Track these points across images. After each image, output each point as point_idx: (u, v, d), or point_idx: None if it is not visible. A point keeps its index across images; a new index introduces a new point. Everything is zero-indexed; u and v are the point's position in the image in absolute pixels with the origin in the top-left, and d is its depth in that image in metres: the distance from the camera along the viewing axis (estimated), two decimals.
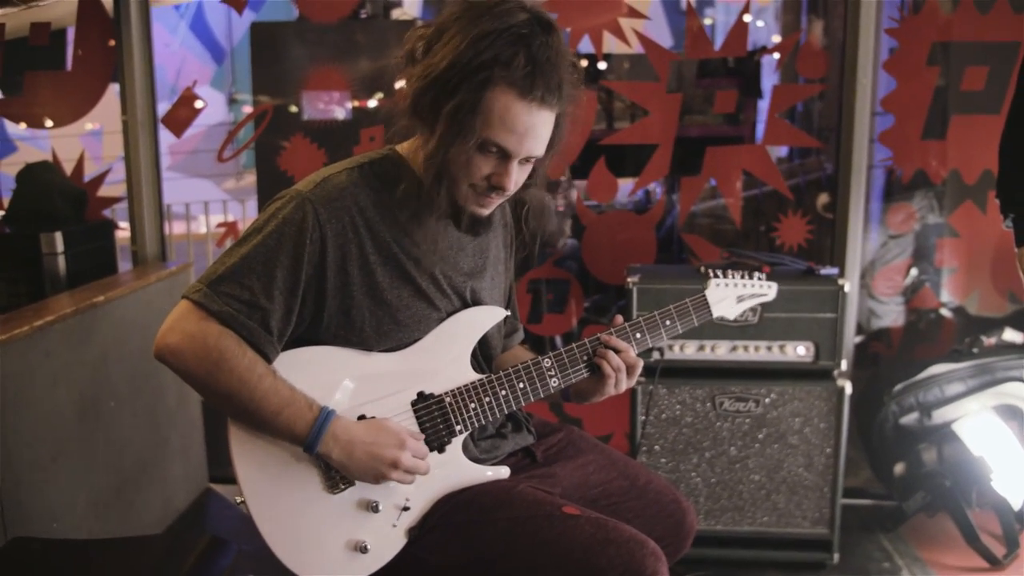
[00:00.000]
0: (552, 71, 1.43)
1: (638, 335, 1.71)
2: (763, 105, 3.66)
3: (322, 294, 1.52)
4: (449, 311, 1.63)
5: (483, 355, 1.70)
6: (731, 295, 1.83)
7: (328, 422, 1.48)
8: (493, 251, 1.74)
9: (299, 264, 1.48)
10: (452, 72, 1.41)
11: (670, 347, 2.66)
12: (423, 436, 1.57)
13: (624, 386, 1.67)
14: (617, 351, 1.66)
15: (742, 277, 1.85)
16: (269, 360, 1.50)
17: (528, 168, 1.55)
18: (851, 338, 3.14)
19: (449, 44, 1.43)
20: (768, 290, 1.88)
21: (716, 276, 1.83)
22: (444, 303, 1.62)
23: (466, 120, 1.43)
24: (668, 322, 1.74)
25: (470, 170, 1.49)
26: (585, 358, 1.66)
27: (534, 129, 1.46)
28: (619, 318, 1.72)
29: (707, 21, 6.48)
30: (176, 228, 6.04)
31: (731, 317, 1.85)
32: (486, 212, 1.59)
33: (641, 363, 1.69)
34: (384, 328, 1.56)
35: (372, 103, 3.47)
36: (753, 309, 2.60)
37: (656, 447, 2.70)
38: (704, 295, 1.80)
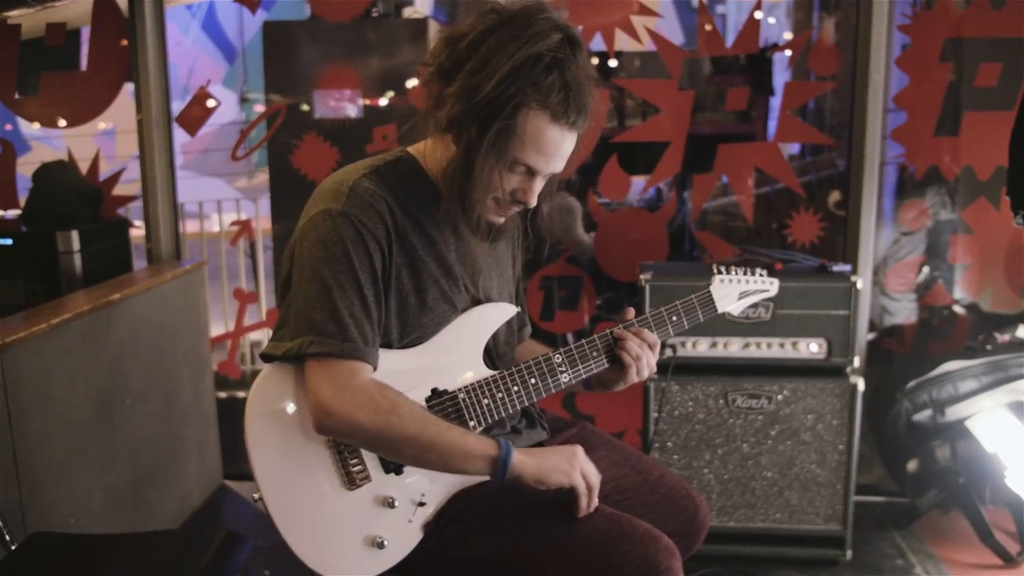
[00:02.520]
0: (582, 95, 1.47)
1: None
2: (775, 102, 3.65)
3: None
4: (463, 308, 1.65)
5: (496, 351, 1.71)
6: (734, 291, 1.85)
7: (510, 455, 1.50)
8: (502, 248, 1.76)
9: (369, 266, 1.49)
10: (491, 98, 1.43)
11: (682, 344, 2.67)
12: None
13: (647, 372, 1.68)
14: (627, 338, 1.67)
15: (745, 273, 1.87)
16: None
17: (545, 180, 1.58)
18: (864, 335, 3.13)
19: (488, 68, 1.43)
20: (770, 286, 1.89)
21: (720, 272, 1.84)
22: (461, 301, 1.64)
23: (501, 143, 1.46)
24: (675, 318, 1.75)
25: (497, 185, 1.51)
26: (606, 349, 1.68)
27: (561, 150, 1.51)
28: (631, 311, 1.74)
29: (718, 18, 6.47)
30: (189, 227, 6.05)
31: (735, 313, 1.87)
32: (501, 221, 1.62)
33: (659, 341, 1.71)
34: (408, 328, 1.58)
35: (384, 101, 3.48)
36: (765, 306, 2.61)
37: (668, 444, 2.70)
38: (708, 291, 1.81)
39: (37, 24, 3.29)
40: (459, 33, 1.48)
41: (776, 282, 1.90)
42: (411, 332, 1.58)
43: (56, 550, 1.81)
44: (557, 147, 1.49)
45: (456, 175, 1.50)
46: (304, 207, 1.56)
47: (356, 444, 1.51)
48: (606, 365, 1.69)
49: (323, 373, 1.46)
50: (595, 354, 1.68)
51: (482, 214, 1.56)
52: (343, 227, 1.48)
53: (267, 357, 1.54)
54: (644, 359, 1.67)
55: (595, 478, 1.55)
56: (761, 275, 1.88)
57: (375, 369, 1.51)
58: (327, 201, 1.51)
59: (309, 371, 1.48)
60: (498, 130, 1.44)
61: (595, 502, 1.55)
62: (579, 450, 1.56)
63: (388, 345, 1.57)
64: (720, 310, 1.82)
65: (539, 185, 1.55)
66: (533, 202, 1.56)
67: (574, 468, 1.53)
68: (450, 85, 1.47)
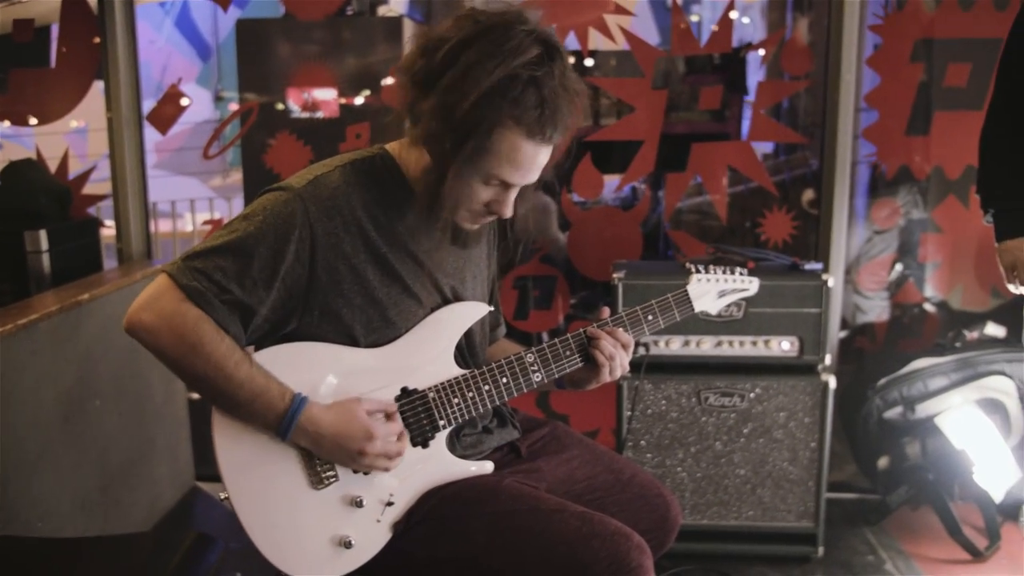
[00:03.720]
0: (559, 110, 1.46)
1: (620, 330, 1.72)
2: (748, 101, 3.67)
3: (310, 292, 1.52)
4: (433, 308, 1.64)
5: (469, 351, 1.71)
6: (713, 290, 1.84)
7: (299, 412, 1.49)
8: (476, 248, 1.75)
9: (279, 258, 1.48)
10: (467, 117, 1.42)
11: (655, 342, 2.68)
12: (397, 418, 1.57)
13: (619, 372, 1.68)
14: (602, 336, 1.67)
15: (724, 272, 1.86)
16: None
17: (517, 189, 1.58)
18: (835, 333, 3.16)
19: (464, 85, 1.41)
20: (749, 285, 1.88)
21: (698, 271, 1.83)
22: (430, 300, 1.64)
23: (476, 159, 1.46)
24: (650, 317, 1.75)
25: (471, 198, 1.52)
26: (580, 348, 1.67)
27: (536, 163, 1.51)
28: (606, 310, 1.73)
29: (693, 18, 6.50)
30: (162, 226, 6.01)
31: (713, 312, 1.86)
32: (475, 228, 1.62)
33: (633, 340, 1.70)
34: (373, 325, 1.57)
35: (358, 100, 3.47)
36: (738, 304, 2.62)
37: (642, 442, 2.71)
38: (686, 290, 1.80)
39: (4, 20, 3.25)
40: (435, 40, 1.46)
41: (756, 281, 1.89)
42: (376, 329, 1.58)
43: (24, 554, 1.79)
44: (532, 161, 1.49)
45: (430, 186, 1.51)
46: None
47: (164, 363, 1.51)
48: (579, 364, 1.68)
49: (163, 289, 1.46)
50: (568, 353, 1.67)
51: (455, 222, 1.56)
52: (284, 206, 1.49)
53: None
54: (618, 359, 1.67)
55: (386, 453, 1.54)
56: (741, 274, 1.87)
57: (231, 336, 1.48)
58: (293, 179, 1.54)
59: (156, 280, 1.48)
60: (474, 147, 1.44)
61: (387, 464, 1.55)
62: (364, 454, 1.52)
63: (353, 342, 1.57)
64: (697, 309, 1.81)
65: (513, 196, 1.55)
66: (508, 213, 1.56)
67: (349, 465, 1.54)
68: (426, 97, 1.46)
